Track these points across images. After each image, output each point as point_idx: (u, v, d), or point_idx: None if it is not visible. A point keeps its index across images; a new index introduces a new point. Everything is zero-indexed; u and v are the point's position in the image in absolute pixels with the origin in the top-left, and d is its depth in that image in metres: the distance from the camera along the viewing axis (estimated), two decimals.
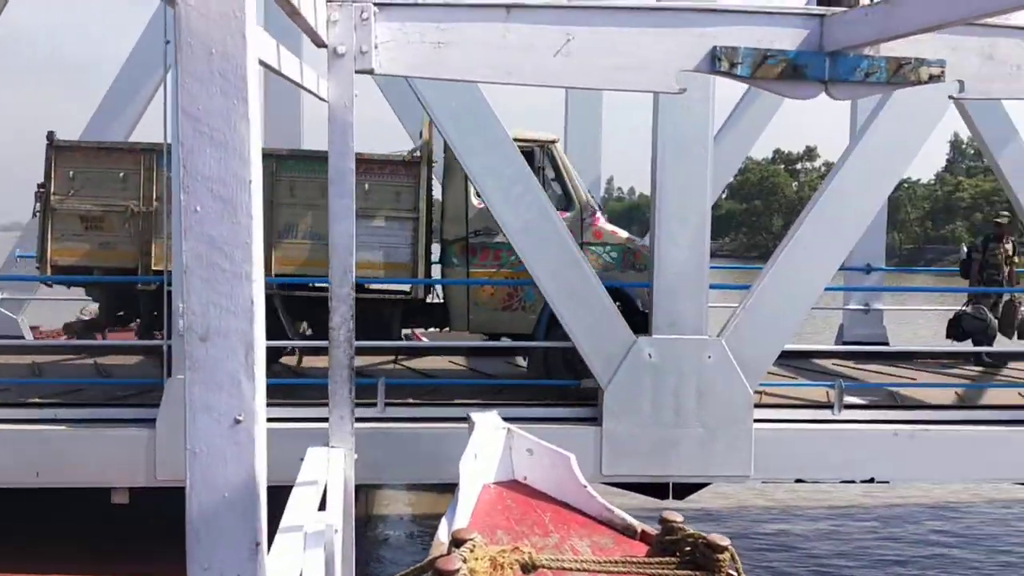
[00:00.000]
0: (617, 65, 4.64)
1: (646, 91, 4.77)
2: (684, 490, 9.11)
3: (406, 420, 8.77)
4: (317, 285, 9.59)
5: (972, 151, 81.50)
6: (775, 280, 8.89)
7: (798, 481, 9.41)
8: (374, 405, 8.65)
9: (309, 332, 10.47)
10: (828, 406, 9.37)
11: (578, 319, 8.71)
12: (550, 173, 10.04)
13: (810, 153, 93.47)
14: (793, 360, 11.19)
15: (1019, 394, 10.19)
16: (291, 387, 9.18)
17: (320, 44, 4.34)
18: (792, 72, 4.79)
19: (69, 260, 9.79)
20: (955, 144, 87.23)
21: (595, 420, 8.87)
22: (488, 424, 5.80)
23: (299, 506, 4.14)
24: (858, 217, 9.09)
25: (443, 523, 4.90)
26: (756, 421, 8.94)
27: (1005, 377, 11.43)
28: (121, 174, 9.69)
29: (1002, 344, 12.11)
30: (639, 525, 5.03)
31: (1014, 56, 4.96)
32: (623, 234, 10.40)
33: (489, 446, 5.61)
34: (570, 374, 9.58)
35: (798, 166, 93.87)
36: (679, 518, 4.36)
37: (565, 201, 10.06)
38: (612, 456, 8.80)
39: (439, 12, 4.43)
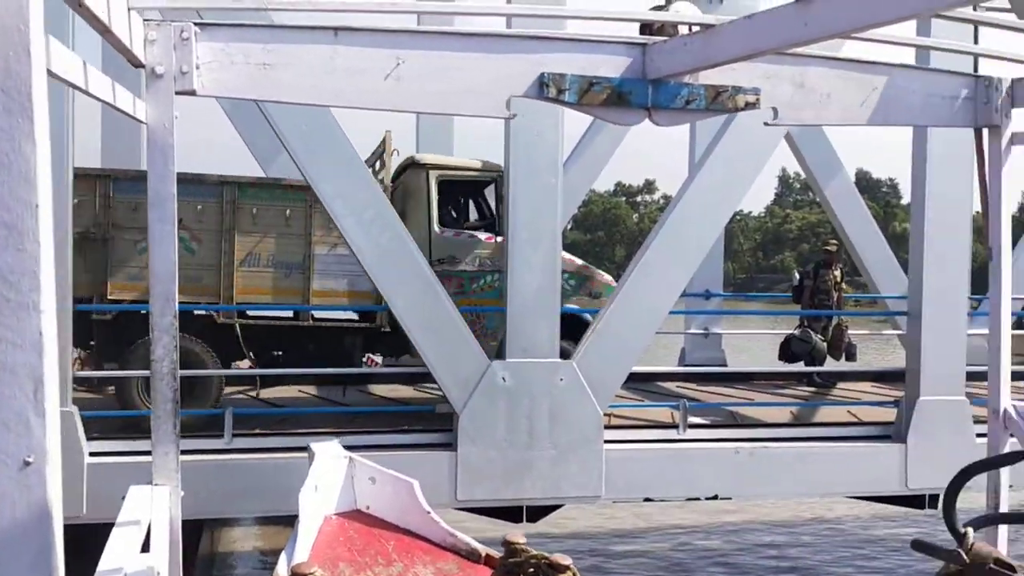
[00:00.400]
0: (448, 90, 4.49)
1: (477, 116, 4.64)
2: (537, 513, 8.97)
3: (254, 451, 8.34)
4: (278, 314, 9.28)
5: (799, 185, 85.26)
6: (622, 305, 8.90)
7: (646, 500, 9.40)
8: (220, 436, 8.21)
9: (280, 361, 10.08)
10: (673, 426, 9.41)
11: (432, 344, 8.49)
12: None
13: (649, 186, 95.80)
14: (639, 382, 11.26)
15: (848, 411, 10.47)
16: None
17: (137, 64, 4.01)
18: (617, 99, 4.75)
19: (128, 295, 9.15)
20: (783, 179, 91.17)
21: (450, 445, 8.65)
22: (328, 453, 5.53)
23: (119, 548, 3.76)
24: (698, 245, 9.20)
25: (282, 558, 4.63)
26: (606, 442, 8.89)
27: (835, 396, 11.78)
28: (75, 200, 9.03)
29: (832, 365, 12.50)
30: (483, 549, 4.90)
31: (823, 84, 5.03)
32: (579, 261, 10.44)
33: (330, 476, 5.34)
34: None
35: (638, 198, 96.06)
36: (522, 540, 4.23)
37: None
38: (467, 481, 8.59)
39: (264, 33, 4.17)
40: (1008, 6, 8.95)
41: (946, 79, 5.29)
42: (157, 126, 3.94)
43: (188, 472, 4.42)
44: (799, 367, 12.17)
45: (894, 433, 9.67)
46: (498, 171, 10.09)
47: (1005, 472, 5.22)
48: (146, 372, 8.72)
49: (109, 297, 9.13)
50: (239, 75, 4.12)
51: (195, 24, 4.03)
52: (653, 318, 9.08)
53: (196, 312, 9.38)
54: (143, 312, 9.24)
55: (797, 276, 13.03)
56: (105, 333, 9.38)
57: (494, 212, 10.08)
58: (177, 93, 4.01)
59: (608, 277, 10.81)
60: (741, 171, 9.14)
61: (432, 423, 9.07)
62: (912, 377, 9.67)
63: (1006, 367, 5.42)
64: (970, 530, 4.51)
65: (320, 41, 4.26)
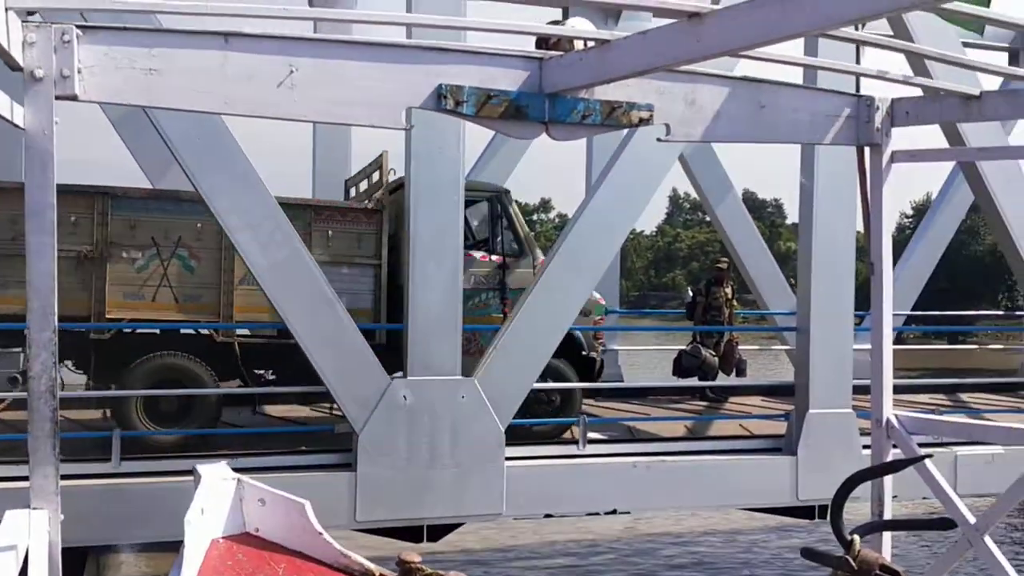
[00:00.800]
0: (343, 99, 4.38)
1: (374, 126, 4.54)
2: (439, 531, 8.82)
3: (144, 475, 7.98)
4: (276, 331, 9.08)
5: (688, 205, 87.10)
6: (523, 321, 8.86)
7: (547, 516, 9.35)
8: (108, 460, 7.82)
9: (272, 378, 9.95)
10: (573, 442, 9.39)
11: (331, 362, 8.29)
12: (503, 222, 10.03)
13: (545, 205, 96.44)
14: None
15: (739, 425, 10.64)
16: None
17: (15, 67, 3.78)
18: (515, 112, 4.73)
19: (10, 308, 8.52)
20: (674, 198, 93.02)
21: (349, 466, 8.43)
22: (215, 475, 5.30)
23: None
24: (596, 263, 9.25)
25: None
26: (507, 459, 8.80)
27: (727, 410, 11.97)
28: (72, 218, 8.73)
29: (723, 379, 12.70)
30: (377, 569, 4.76)
31: (714, 102, 5.12)
32: None
33: (217, 498, 5.11)
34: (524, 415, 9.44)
35: (534, 217, 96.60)
36: (417, 558, 4.12)
37: (518, 249, 10.11)
38: (366, 501, 8.39)
39: (151, 37, 3.99)
40: (888, 28, 9.32)
41: (830, 98, 5.43)
42: (36, 132, 3.72)
43: (73, 497, 4.17)
44: (693, 382, 12.33)
45: (785, 446, 9.85)
46: (494, 191, 10.26)
47: (888, 480, 5.34)
48: (146, 392, 8.66)
49: (107, 316, 8.95)
50: (124, 80, 3.92)
51: (77, 26, 3.83)
52: (553, 335, 9.06)
53: (197, 331, 9.29)
54: (142, 331, 9.13)
55: (690, 293, 13.24)
56: (103, 353, 9.14)
57: (490, 231, 10.18)
58: (57, 98, 3.79)
59: (597, 295, 10.86)
60: (637, 190, 9.24)
61: (331, 443, 8.83)
62: (801, 391, 9.87)
63: (888, 379, 5.57)
64: (856, 537, 4.61)
65: (210, 46, 4.10)
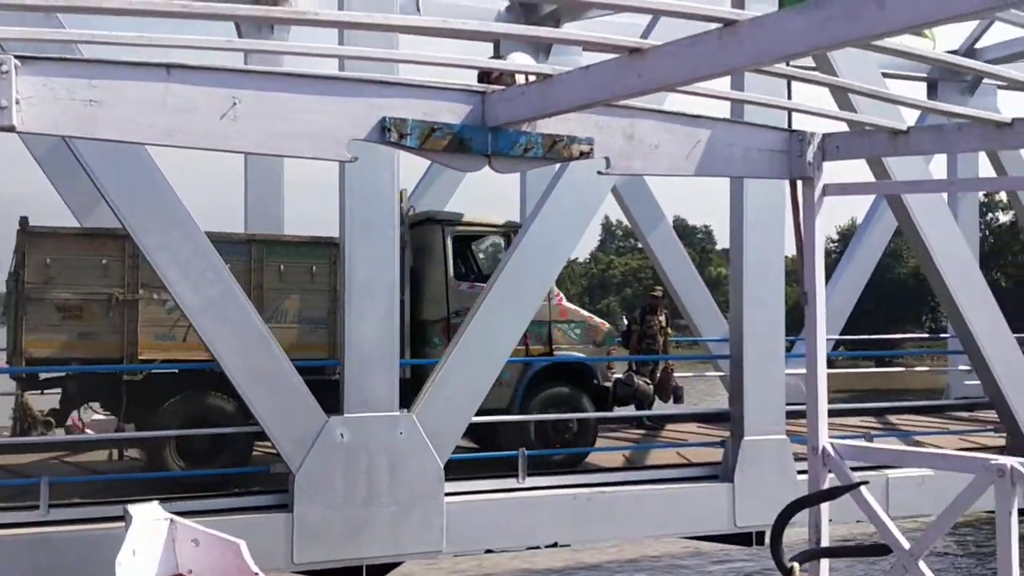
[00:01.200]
0: (287, 131, 4.38)
1: (318, 159, 4.55)
2: (378, 571, 8.70)
3: (73, 522, 7.72)
4: (309, 367, 8.98)
5: (621, 232, 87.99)
6: (462, 354, 8.87)
7: (487, 552, 9.31)
8: (36, 508, 7.56)
9: None
10: (513, 475, 9.38)
11: (265, 401, 8.18)
12: None
13: None
14: (478, 431, 11.17)
15: (677, 453, 10.75)
16: None
17: None
18: (458, 145, 4.79)
19: (45, 352, 8.98)
20: (606, 226, 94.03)
21: (286, 506, 8.29)
22: (147, 515, 5.18)
23: None
24: (534, 293, 9.33)
25: None
26: (447, 494, 8.76)
27: (664, 438, 12.08)
28: (103, 261, 9.02)
29: (660, 407, 12.82)
30: None
31: (652, 136, 5.24)
32: (584, 312, 10.83)
33: (149, 539, 4.99)
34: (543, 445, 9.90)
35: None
36: None
37: None
38: (304, 542, 8.25)
39: (91, 68, 3.94)
40: (812, 63, 9.63)
41: (763, 133, 5.60)
42: None
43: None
44: (630, 410, 12.42)
45: (722, 473, 9.98)
46: (509, 227, 10.54)
47: (825, 507, 5.47)
48: (177, 431, 8.65)
49: (140, 357, 9.09)
50: (63, 111, 3.86)
51: (16, 57, 3.76)
52: (491, 367, 9.08)
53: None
54: (175, 372, 9.14)
55: (626, 322, 13.38)
56: (135, 394, 9.15)
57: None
58: None
59: (608, 326, 11.23)
60: (573, 220, 9.36)
61: (267, 484, 8.67)
62: (736, 418, 10.03)
63: (823, 408, 5.71)
64: (796, 565, 4.72)
65: (151, 78, 4.07)
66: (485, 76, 5.18)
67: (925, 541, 5.05)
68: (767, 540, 8.30)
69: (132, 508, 5.38)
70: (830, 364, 13.14)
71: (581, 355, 10.48)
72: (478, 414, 9.94)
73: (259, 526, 8.01)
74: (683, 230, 61.34)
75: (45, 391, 9.82)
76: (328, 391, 8.77)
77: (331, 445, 8.32)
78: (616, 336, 11.60)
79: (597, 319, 11.06)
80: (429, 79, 4.90)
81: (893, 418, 13.93)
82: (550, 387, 10.33)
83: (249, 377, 8.11)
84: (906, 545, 5.00)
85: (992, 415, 11.63)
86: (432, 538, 8.68)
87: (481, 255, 10.96)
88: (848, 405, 14.12)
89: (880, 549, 5.04)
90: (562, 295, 10.79)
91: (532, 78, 4.94)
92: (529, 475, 9.39)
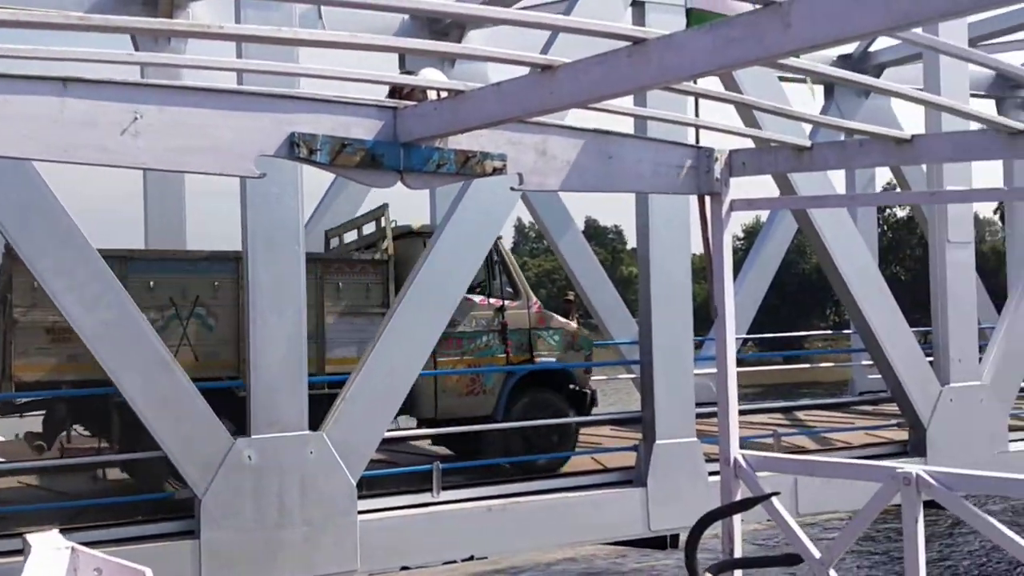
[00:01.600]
0: (191, 147, 4.26)
1: (223, 175, 4.43)
2: None
3: None
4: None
5: (534, 234, 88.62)
6: (372, 368, 8.79)
7: (403, 569, 9.23)
8: None
9: None
10: (428, 489, 9.33)
11: (168, 425, 7.97)
12: (499, 267, 10.59)
13: None
14: (391, 444, 11.09)
15: (592, 459, 10.85)
16: None
17: None
18: (370, 161, 4.73)
19: (35, 375, 8.91)
20: (519, 228, 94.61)
21: (192, 532, 8.09)
22: (48, 544, 4.97)
23: None
24: (445, 304, 9.29)
25: None
26: (360, 512, 8.67)
27: (579, 443, 12.11)
28: None
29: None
30: None
31: (564, 152, 5.27)
32: (561, 319, 11.08)
33: (49, 570, 4.78)
34: (528, 450, 10.22)
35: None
36: None
37: (512, 292, 10.67)
38: (212, 569, 8.07)
39: None
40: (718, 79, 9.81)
41: (672, 149, 5.69)
42: None
43: None
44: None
45: (635, 477, 10.11)
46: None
47: (737, 517, 5.58)
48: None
49: None
50: None
51: None
52: (403, 381, 9.02)
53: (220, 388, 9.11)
54: None
55: None
56: (127, 415, 8.70)
57: (487, 275, 10.65)
58: None
59: (586, 331, 11.54)
60: (482, 231, 9.36)
61: (172, 510, 8.43)
62: (648, 422, 10.18)
63: (734, 420, 5.82)
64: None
65: (46, 92, 3.91)
66: (396, 91, 5.13)
67: (835, 550, 5.20)
68: (681, 544, 8.44)
69: (31, 537, 5.17)
70: (740, 363, 13.52)
71: (560, 361, 10.84)
72: (460, 423, 10.25)
73: (166, 554, 7.82)
74: (594, 231, 62.00)
75: (24, 414, 9.75)
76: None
77: (238, 468, 8.15)
78: (594, 341, 11.87)
79: (574, 325, 11.29)
80: (338, 94, 4.82)
81: (801, 414, 14.33)
82: (532, 393, 10.60)
83: (149, 401, 7.90)
84: (817, 554, 5.14)
85: (895, 409, 12.05)
86: (346, 558, 8.58)
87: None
88: (757, 405, 14.49)
89: (792, 559, 5.18)
90: (539, 303, 11.07)
91: (444, 94, 4.91)
92: (443, 488, 9.36)
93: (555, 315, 11.33)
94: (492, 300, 10.57)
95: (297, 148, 4.60)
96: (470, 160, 4.95)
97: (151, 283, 9.06)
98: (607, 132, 5.42)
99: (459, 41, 12.49)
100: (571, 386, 10.76)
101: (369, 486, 9.05)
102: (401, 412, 10.60)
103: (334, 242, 11.77)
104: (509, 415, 10.34)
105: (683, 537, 9.41)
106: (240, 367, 9.20)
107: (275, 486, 8.28)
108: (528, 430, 10.30)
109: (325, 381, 9.58)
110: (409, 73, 5.09)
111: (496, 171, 5.05)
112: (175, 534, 8.16)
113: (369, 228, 11.02)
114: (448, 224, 9.27)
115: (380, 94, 5.21)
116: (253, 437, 8.24)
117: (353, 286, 9.90)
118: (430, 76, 5.11)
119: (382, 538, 8.82)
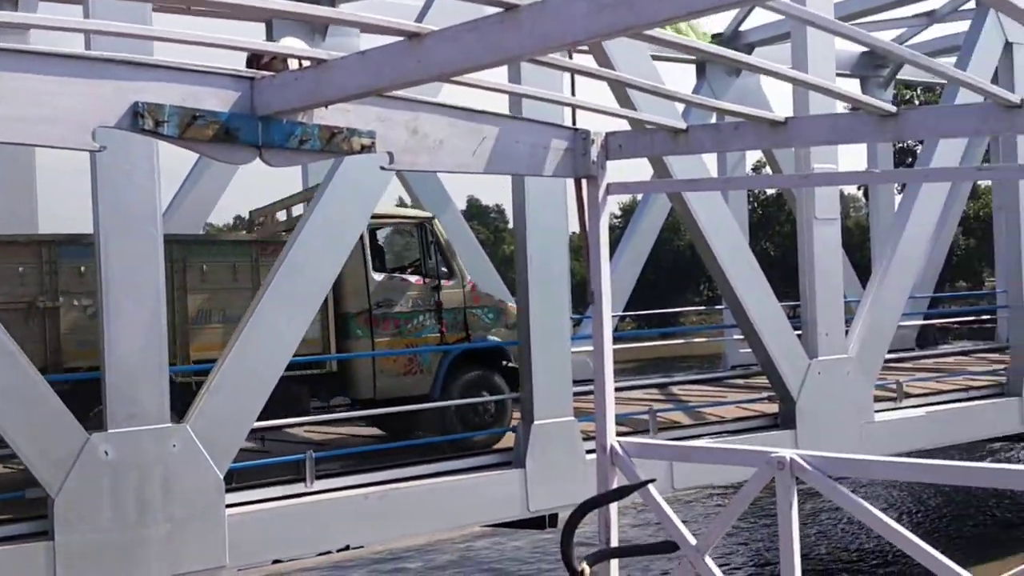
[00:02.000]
0: (22, 116, 3.82)
1: (59, 147, 4.01)
2: None
3: None
4: None
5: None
6: (238, 358, 8.36)
7: (276, 562, 8.88)
8: None
9: None
10: (301, 479, 8.98)
11: (15, 421, 7.39)
12: (434, 247, 10.63)
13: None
14: (265, 433, 10.65)
15: (474, 441, 10.65)
16: None
17: None
18: (224, 135, 4.32)
19: None
20: (401, 207, 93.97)
21: (46, 534, 7.55)
22: None
23: None
24: (316, 288, 8.93)
25: None
26: (228, 506, 8.27)
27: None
28: (20, 268, 8.68)
29: None
30: None
31: (436, 131, 4.99)
32: (495, 297, 11.36)
33: None
34: (465, 427, 10.31)
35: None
36: None
37: (448, 272, 10.70)
38: (68, 571, 7.55)
39: None
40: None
41: (549, 131, 5.47)
42: None
43: None
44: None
45: (515, 458, 10.00)
46: (424, 218, 10.90)
47: (614, 507, 5.47)
48: None
49: (65, 366, 8.74)
50: None
51: None
52: (273, 369, 8.61)
53: None
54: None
55: None
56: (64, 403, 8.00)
57: (422, 256, 10.76)
58: None
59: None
60: (354, 211, 9.02)
61: (23, 510, 7.86)
62: (526, 402, 10.07)
63: (611, 407, 5.70)
64: (586, 567, 4.67)
65: None
66: (255, 60, 4.72)
67: (710, 536, 5.14)
68: (561, 523, 8.35)
69: None
70: (618, 340, 13.58)
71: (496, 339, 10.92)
72: (399, 403, 10.22)
73: (15, 558, 7.35)
74: (476, 210, 61.69)
75: None
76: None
77: (94, 464, 7.63)
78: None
79: (508, 303, 11.32)
80: (190, 62, 4.40)
81: (676, 389, 14.52)
82: (468, 371, 10.54)
83: None
84: (692, 541, 5.07)
85: (766, 382, 12.29)
86: (213, 554, 8.18)
87: (398, 247, 11.10)
88: (634, 382, 14.63)
89: (668, 546, 5.10)
90: (474, 282, 11.16)
91: (306, 63, 4.54)
92: (317, 478, 9.04)
93: (491, 294, 11.44)
94: (427, 280, 10.63)
95: (141, 119, 4.17)
96: (336, 137, 4.60)
97: (20, 268, 8.71)
98: (481, 111, 5.16)
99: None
100: (505, 363, 10.78)
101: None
102: (338, 393, 10.80)
103: (262, 223, 11.58)
104: (446, 394, 10.40)
105: (563, 516, 9.48)
106: (176, 353, 9.00)
107: (134, 483, 7.79)
108: (466, 408, 10.35)
109: (191, 370, 9.19)
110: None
111: (365, 149, 4.72)
112: (26, 536, 7.62)
113: (298, 210, 10.77)
114: (318, 204, 8.88)
115: (241, 65, 4.80)
116: (110, 431, 7.73)
117: None
118: (291, 44, 4.73)
119: (252, 531, 8.45)
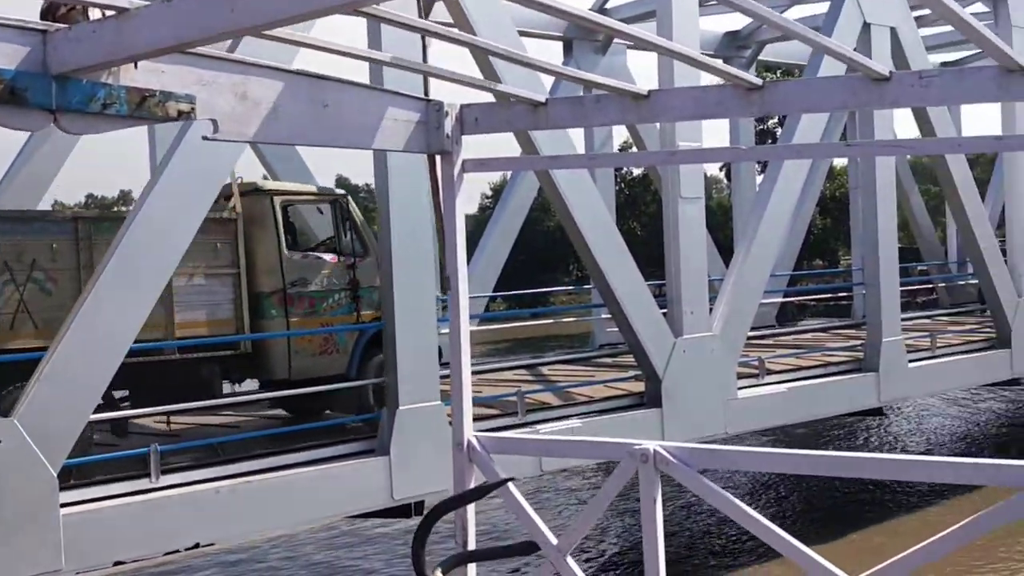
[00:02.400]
0: None
1: None
2: None
3: None
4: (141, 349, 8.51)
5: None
6: (72, 346, 7.61)
7: (117, 564, 8.19)
8: None
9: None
10: (147, 475, 8.29)
11: None
12: (348, 224, 10.48)
13: (125, 197, 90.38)
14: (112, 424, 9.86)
15: (336, 429, 10.12)
16: None
17: None
18: (10, 96, 3.66)
19: None
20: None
21: None
22: None
23: None
24: (161, 266, 8.25)
25: None
26: (63, 506, 7.55)
27: (326, 415, 11.32)
28: None
29: None
30: None
31: (269, 97, 4.40)
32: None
33: None
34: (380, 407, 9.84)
35: (115, 210, 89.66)
36: None
37: (362, 249, 10.52)
38: None
39: None
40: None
41: (398, 101, 4.97)
42: None
43: None
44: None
45: (378, 446, 9.56)
46: (336, 195, 10.85)
47: (472, 508, 5.09)
48: None
49: None
50: None
51: None
52: (112, 355, 7.88)
53: None
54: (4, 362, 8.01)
55: None
56: None
57: (336, 233, 10.52)
58: None
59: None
60: (198, 188, 8.33)
61: None
62: (391, 388, 9.65)
63: (467, 401, 5.31)
64: (439, 574, 4.29)
65: None
66: (50, 11, 4.05)
67: (573, 535, 4.82)
68: (427, 510, 7.97)
69: None
70: (488, 321, 13.27)
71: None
72: (314, 383, 9.93)
73: None
74: (345, 189, 60.58)
75: None
76: None
77: None
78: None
79: None
80: None
81: (546, 369, 14.32)
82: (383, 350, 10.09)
83: None
84: (554, 541, 4.74)
85: (633, 361, 12.19)
86: (48, 557, 7.46)
87: (312, 224, 10.68)
88: (502, 363, 14.38)
89: (528, 547, 4.76)
90: None
91: (110, 14, 3.89)
92: (163, 472, 8.37)
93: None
94: (342, 258, 10.40)
95: None
96: (147, 100, 3.97)
97: None
98: (323, 77, 4.62)
99: None
100: None
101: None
102: (250, 375, 10.31)
103: None
104: (362, 373, 10.18)
105: (429, 503, 9.10)
106: None
107: None
108: (381, 387, 10.00)
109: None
110: None
111: (182, 115, 4.10)
112: None
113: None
114: (160, 179, 8.15)
115: (34, 16, 4.12)
116: None
117: (201, 246, 9.13)
118: None
119: (91, 532, 7.77)
